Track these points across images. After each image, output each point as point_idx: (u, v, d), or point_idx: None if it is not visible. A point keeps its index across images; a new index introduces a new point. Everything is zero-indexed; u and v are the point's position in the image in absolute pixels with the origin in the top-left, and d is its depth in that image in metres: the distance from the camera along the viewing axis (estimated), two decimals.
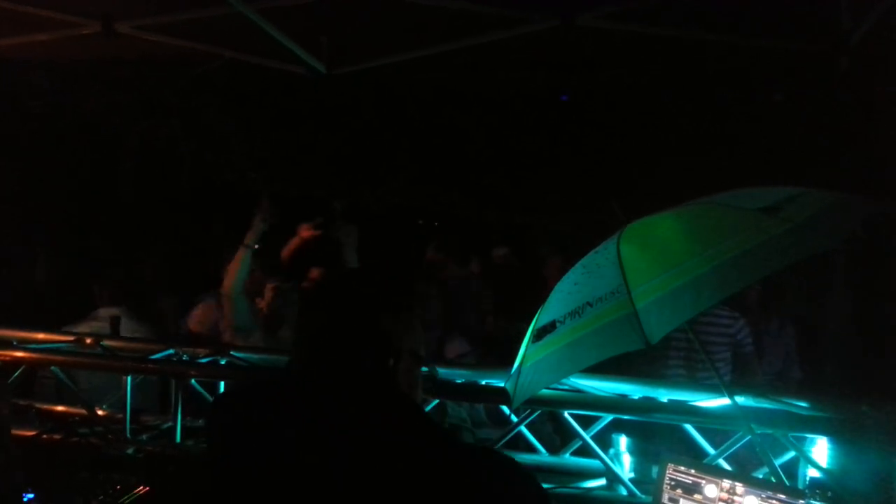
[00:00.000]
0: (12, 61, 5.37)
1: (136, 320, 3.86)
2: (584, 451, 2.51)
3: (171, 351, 3.01)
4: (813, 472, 2.14)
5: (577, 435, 2.48)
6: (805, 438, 2.25)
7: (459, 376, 2.69)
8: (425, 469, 1.12)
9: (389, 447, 1.14)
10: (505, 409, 2.52)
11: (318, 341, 1.31)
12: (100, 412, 2.89)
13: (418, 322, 1.39)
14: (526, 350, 2.23)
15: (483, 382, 2.68)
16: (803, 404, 2.37)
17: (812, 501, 1.71)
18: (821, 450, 2.21)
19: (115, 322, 3.52)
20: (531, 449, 2.68)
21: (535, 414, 2.52)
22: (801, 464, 2.21)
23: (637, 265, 1.99)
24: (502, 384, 2.45)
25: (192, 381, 2.70)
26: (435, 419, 1.28)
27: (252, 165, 8.85)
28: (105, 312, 3.77)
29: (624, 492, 2.40)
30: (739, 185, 2.20)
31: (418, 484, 1.11)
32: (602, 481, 2.47)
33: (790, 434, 2.21)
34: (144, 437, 2.75)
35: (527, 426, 2.63)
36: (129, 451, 2.61)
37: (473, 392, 2.68)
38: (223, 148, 8.54)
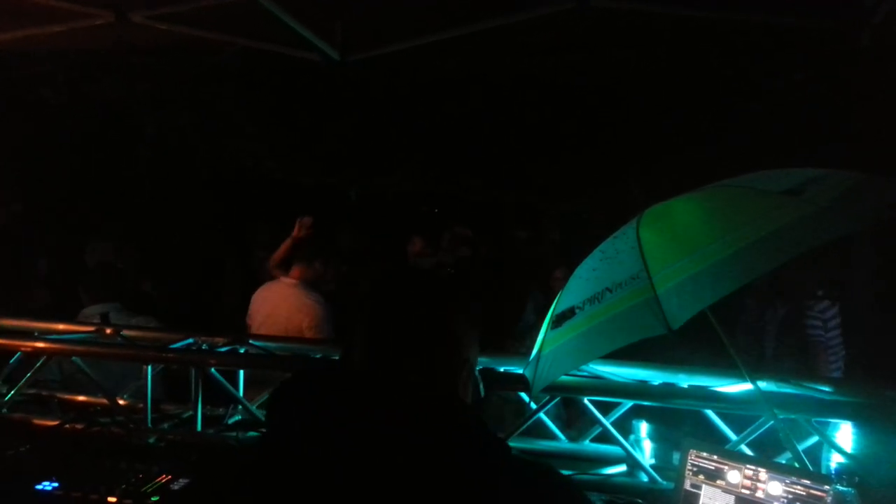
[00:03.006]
0: (28, 53, 5.40)
1: (128, 313, 3.73)
2: (605, 437, 2.49)
3: (191, 340, 3.03)
4: (837, 458, 2.11)
5: (597, 421, 2.47)
6: (828, 423, 2.22)
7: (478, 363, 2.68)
8: (453, 482, 1.07)
9: (434, 459, 1.08)
10: (524, 395, 2.51)
11: (388, 339, 1.26)
12: (121, 401, 2.91)
13: (477, 329, 1.34)
14: (545, 336, 2.21)
15: (501, 369, 2.67)
16: (827, 388, 2.35)
17: (839, 487, 1.69)
18: (845, 435, 2.19)
19: (104, 319, 3.45)
20: (551, 436, 2.68)
21: (555, 401, 2.51)
22: (825, 449, 2.19)
23: (657, 250, 1.96)
24: (521, 371, 2.45)
25: (212, 369, 2.70)
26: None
27: (266, 153, 8.87)
28: (90, 311, 3.68)
29: (645, 478, 2.39)
30: (758, 168, 2.16)
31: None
32: (622, 467, 2.45)
33: (814, 419, 2.18)
34: (165, 425, 2.77)
35: None
36: (151, 440, 2.63)
37: (492, 379, 2.67)
38: (237, 136, 8.57)
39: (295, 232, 4.95)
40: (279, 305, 4.12)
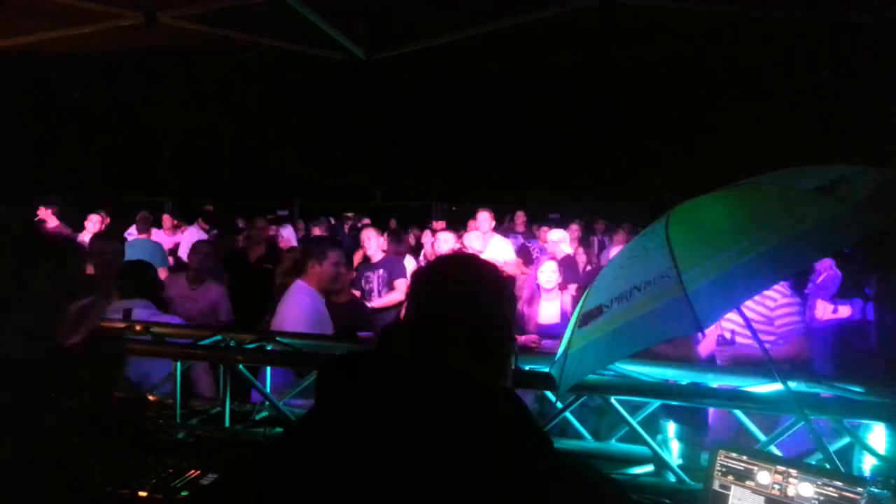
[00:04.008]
0: (58, 54, 5.48)
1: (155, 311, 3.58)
2: (632, 437, 2.48)
3: (219, 337, 3.06)
4: (870, 460, 2.08)
5: (624, 421, 2.45)
6: (860, 425, 2.19)
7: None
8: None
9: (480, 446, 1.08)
10: (550, 395, 2.50)
11: (439, 321, 1.27)
12: (150, 397, 2.95)
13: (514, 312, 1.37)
14: (572, 335, 2.20)
15: (527, 368, 2.66)
16: (858, 389, 2.31)
17: (873, 489, 1.66)
18: (878, 436, 2.15)
19: (126, 316, 3.41)
20: (577, 436, 2.66)
21: (581, 400, 2.49)
22: (857, 451, 2.15)
23: (687, 248, 1.94)
24: (547, 370, 2.44)
25: (240, 366, 2.73)
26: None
27: (291, 153, 8.93)
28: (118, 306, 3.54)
29: (672, 478, 2.36)
30: (786, 164, 2.14)
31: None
32: (650, 468, 2.43)
33: (845, 420, 2.15)
34: (194, 421, 2.80)
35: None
36: (180, 435, 2.66)
37: (518, 378, 2.66)
38: (262, 136, 8.63)
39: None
40: (282, 306, 4.17)
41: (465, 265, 1.38)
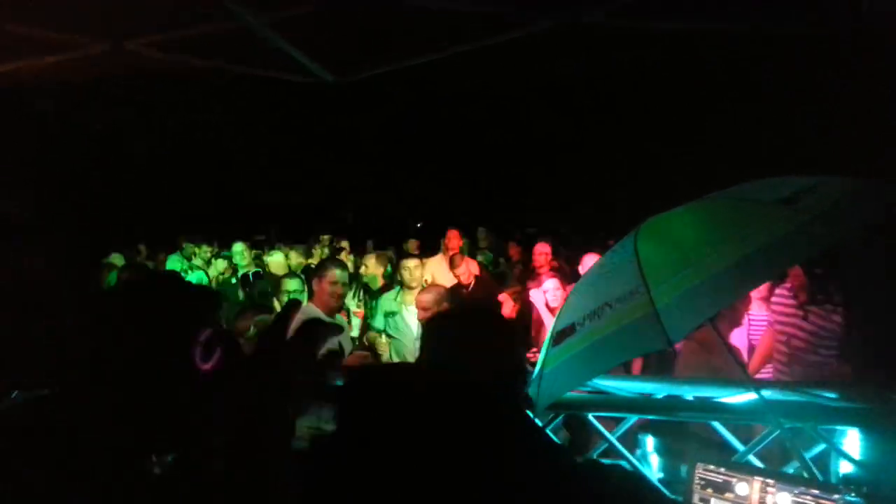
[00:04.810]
0: (24, 83, 5.43)
1: None
2: (611, 452, 2.47)
3: None
4: (846, 466, 2.09)
5: (602, 437, 2.45)
6: (835, 431, 2.20)
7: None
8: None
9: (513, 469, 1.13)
10: (529, 414, 2.49)
11: (459, 358, 1.42)
12: None
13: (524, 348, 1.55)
14: (546, 354, 2.20)
15: None
16: (832, 395, 2.33)
17: (847, 497, 1.67)
18: (852, 442, 2.17)
19: None
20: None
21: (560, 418, 2.49)
22: (833, 457, 2.17)
23: (656, 264, 1.95)
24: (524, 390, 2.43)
25: None
26: None
27: (260, 175, 8.90)
28: None
29: None
30: (758, 174, 2.17)
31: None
32: None
33: (820, 427, 2.17)
34: None
35: None
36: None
37: None
38: (232, 160, 8.59)
39: None
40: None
41: (482, 320, 1.62)
